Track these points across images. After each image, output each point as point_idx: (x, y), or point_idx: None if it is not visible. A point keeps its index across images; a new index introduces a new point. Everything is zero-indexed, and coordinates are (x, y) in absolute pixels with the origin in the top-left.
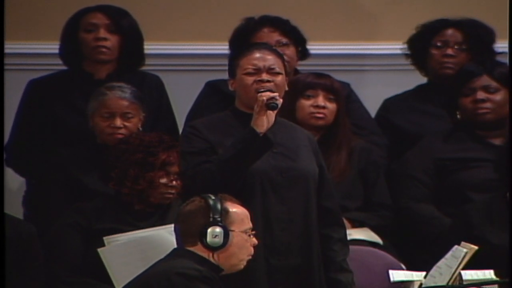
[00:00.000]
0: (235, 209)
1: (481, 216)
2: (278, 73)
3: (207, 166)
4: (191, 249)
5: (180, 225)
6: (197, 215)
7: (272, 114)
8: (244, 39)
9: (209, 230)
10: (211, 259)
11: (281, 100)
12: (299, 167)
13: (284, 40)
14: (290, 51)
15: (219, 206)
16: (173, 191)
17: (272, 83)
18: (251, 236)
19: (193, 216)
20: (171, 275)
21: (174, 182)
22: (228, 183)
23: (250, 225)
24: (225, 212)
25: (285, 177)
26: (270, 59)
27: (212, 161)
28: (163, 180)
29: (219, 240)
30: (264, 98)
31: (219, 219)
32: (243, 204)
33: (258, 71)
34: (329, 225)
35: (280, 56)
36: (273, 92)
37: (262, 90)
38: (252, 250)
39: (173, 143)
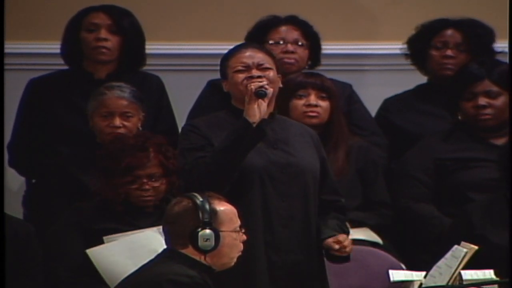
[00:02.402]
0: (223, 208)
1: (482, 215)
2: (268, 68)
3: (203, 160)
4: (182, 251)
5: (169, 227)
6: (186, 216)
7: (263, 104)
8: (262, 32)
9: (200, 233)
10: (203, 261)
11: (271, 90)
12: (300, 163)
13: (302, 41)
14: (303, 53)
15: (207, 206)
16: (147, 194)
17: (263, 78)
18: (240, 233)
19: (182, 218)
20: (163, 282)
21: (146, 186)
22: (224, 174)
23: (239, 222)
24: (214, 213)
25: (285, 173)
26: (258, 56)
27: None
28: (133, 186)
29: (211, 243)
30: (253, 87)
31: (208, 221)
32: (241, 200)
33: (247, 68)
34: (329, 210)
35: (269, 53)
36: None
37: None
38: (242, 247)
39: (143, 146)
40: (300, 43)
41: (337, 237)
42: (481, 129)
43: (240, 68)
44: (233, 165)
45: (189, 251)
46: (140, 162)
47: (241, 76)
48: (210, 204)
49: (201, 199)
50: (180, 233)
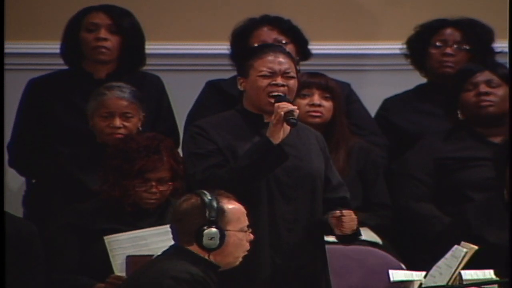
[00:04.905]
0: (231, 207)
1: (479, 215)
2: (292, 77)
3: (219, 173)
4: (189, 248)
5: (176, 224)
6: (193, 214)
7: (288, 128)
8: (243, 38)
9: (205, 231)
10: (208, 258)
11: (298, 112)
12: (306, 167)
13: (283, 39)
14: (289, 49)
15: (215, 205)
16: (154, 197)
17: (285, 88)
18: (247, 233)
19: (189, 215)
20: (165, 279)
21: (154, 189)
22: (239, 191)
23: (247, 222)
24: (221, 212)
25: (292, 177)
26: (285, 63)
27: (222, 165)
28: (141, 188)
29: (215, 242)
30: (283, 113)
31: (215, 219)
32: (247, 203)
33: (273, 74)
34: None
35: (293, 59)
36: (287, 98)
37: (275, 94)
38: (248, 246)
39: (157, 149)
40: (282, 41)
41: (341, 210)
42: (482, 119)
43: (265, 73)
44: (250, 184)
45: (195, 248)
46: (154, 165)
47: (265, 81)
48: (218, 202)
49: (209, 197)
50: (186, 231)
